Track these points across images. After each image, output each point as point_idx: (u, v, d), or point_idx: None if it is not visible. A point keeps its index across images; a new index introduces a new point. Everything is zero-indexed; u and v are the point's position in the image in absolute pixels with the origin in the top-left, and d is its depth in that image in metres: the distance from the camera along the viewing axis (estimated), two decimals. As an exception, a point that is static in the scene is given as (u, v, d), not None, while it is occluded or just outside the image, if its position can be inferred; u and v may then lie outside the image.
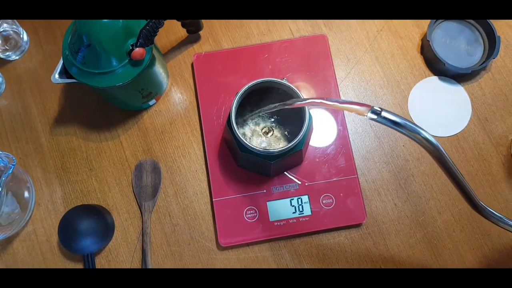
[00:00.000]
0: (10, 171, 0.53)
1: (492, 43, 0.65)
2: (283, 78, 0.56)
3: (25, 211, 0.61)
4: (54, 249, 0.61)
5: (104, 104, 0.66)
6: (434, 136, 0.64)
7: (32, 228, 0.62)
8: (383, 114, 0.37)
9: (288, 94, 0.56)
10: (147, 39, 0.52)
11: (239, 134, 0.53)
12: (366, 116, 0.38)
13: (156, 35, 0.53)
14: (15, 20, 0.66)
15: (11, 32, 0.66)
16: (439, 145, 0.38)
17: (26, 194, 0.61)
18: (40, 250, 0.61)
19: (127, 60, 0.53)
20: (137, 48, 0.51)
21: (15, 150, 0.64)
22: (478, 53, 0.66)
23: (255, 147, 0.53)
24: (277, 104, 0.54)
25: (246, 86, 0.54)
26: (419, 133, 0.37)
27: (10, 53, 0.67)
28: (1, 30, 0.64)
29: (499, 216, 0.44)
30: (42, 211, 0.62)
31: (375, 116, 0.38)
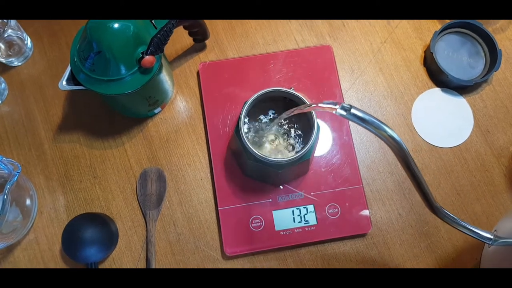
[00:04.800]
0: (15, 179, 0.52)
1: (493, 56, 0.67)
2: (291, 88, 0.56)
3: (27, 219, 0.60)
4: (57, 257, 0.60)
5: (108, 111, 0.66)
6: (437, 147, 0.65)
7: (34, 236, 0.61)
8: (352, 110, 0.39)
9: (296, 103, 0.56)
10: (157, 47, 0.52)
11: (248, 143, 0.53)
12: (336, 112, 0.40)
13: (167, 43, 0.53)
14: (19, 26, 0.66)
15: (15, 38, 0.66)
16: (402, 143, 0.40)
17: (28, 201, 0.60)
18: (42, 259, 0.60)
19: (136, 68, 0.53)
20: (147, 56, 0.51)
21: (17, 157, 0.64)
22: (479, 65, 0.68)
23: (264, 156, 0.53)
24: (281, 115, 0.55)
25: (255, 95, 0.55)
26: (384, 130, 0.39)
27: (13, 59, 0.67)
28: (6, 35, 0.63)
29: (452, 217, 0.46)
30: (44, 219, 0.61)
31: (344, 112, 0.40)
